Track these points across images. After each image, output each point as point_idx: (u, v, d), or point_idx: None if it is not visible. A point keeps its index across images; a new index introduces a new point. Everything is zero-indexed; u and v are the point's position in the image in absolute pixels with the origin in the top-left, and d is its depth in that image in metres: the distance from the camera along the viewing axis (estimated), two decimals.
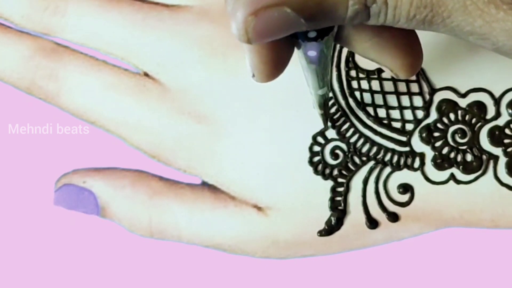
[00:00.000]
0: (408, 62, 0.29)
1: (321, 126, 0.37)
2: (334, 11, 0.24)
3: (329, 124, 0.37)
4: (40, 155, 0.39)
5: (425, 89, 0.37)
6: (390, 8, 0.23)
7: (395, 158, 0.36)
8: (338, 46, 0.37)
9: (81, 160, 0.39)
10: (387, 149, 0.37)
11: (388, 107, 0.37)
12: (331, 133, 0.37)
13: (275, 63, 0.27)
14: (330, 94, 0.37)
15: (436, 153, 0.36)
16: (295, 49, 0.28)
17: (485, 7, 0.23)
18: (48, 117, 0.39)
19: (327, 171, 0.37)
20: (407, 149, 0.36)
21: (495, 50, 0.25)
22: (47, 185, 0.39)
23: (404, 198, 0.36)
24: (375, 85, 0.37)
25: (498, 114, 0.36)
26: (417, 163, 0.36)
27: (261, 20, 0.23)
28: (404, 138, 0.36)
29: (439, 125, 0.36)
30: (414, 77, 0.37)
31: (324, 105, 0.34)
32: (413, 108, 0.36)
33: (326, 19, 0.24)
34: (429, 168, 0.36)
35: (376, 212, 0.37)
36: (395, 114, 0.37)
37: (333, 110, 0.37)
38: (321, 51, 0.27)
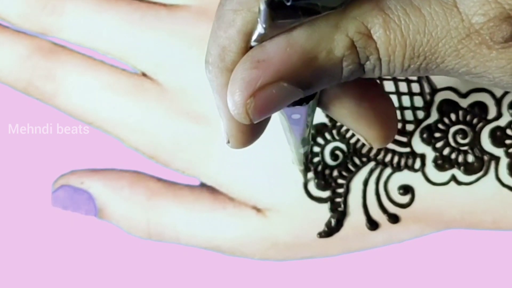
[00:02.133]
0: (383, 134, 0.29)
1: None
2: (330, 75, 0.23)
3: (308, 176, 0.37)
4: (40, 155, 0.39)
5: (426, 89, 0.36)
6: (384, 63, 0.23)
7: (396, 159, 0.36)
8: None
9: (79, 161, 0.39)
10: (387, 150, 0.36)
11: None
12: (331, 134, 0.37)
13: (252, 131, 0.27)
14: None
15: (437, 154, 0.36)
16: (277, 112, 0.27)
17: (477, 48, 0.23)
18: (48, 117, 0.39)
19: (327, 172, 0.37)
20: (407, 150, 0.36)
21: (493, 85, 0.25)
22: (45, 186, 0.38)
23: (405, 199, 0.36)
24: None
25: (499, 115, 0.36)
26: (417, 164, 0.36)
27: (260, 100, 0.23)
28: (404, 139, 0.36)
29: (440, 126, 0.36)
30: (415, 77, 0.36)
31: (306, 160, 0.34)
32: (414, 108, 0.36)
33: (323, 84, 0.24)
34: (430, 169, 0.36)
35: (376, 213, 0.36)
36: None
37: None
38: (306, 113, 0.27)
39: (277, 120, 0.37)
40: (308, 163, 0.35)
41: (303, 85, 0.23)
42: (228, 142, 0.28)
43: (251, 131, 0.27)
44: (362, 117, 0.28)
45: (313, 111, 0.28)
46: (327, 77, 0.24)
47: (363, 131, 0.29)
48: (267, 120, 0.28)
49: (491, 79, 0.24)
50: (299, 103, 0.26)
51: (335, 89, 0.27)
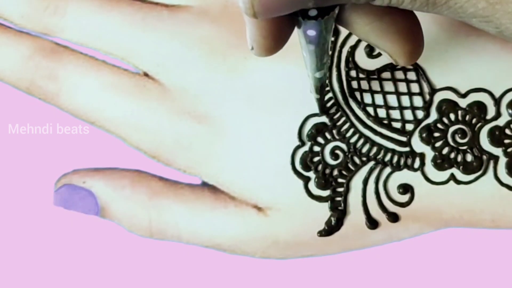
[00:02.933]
0: (408, 49, 0.29)
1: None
2: None
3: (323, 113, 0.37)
4: (40, 155, 0.39)
5: (425, 89, 0.36)
6: None
7: (395, 158, 0.36)
8: (337, 47, 0.37)
9: (81, 160, 0.39)
10: (387, 149, 0.36)
11: (388, 107, 0.37)
12: (331, 133, 0.37)
13: (274, 38, 0.27)
14: (328, 88, 0.37)
15: (436, 153, 0.36)
16: (296, 28, 0.28)
17: None
18: (48, 117, 0.39)
19: (327, 171, 0.37)
20: (407, 149, 0.36)
21: (498, 33, 0.25)
22: (47, 185, 0.39)
23: (404, 198, 0.36)
24: (375, 85, 0.37)
25: (498, 114, 0.36)
26: (417, 163, 0.36)
27: None
28: (404, 138, 0.36)
29: (439, 125, 0.36)
30: (414, 77, 0.37)
31: (320, 89, 0.34)
32: (413, 108, 0.36)
33: None
34: (429, 168, 0.36)
35: (376, 212, 0.37)
36: (395, 114, 0.37)
37: (333, 110, 0.37)
38: (321, 31, 0.27)
39: (279, 117, 0.37)
40: (323, 93, 0.34)
41: None
42: (252, 48, 0.28)
43: (273, 37, 0.27)
44: (386, 32, 0.28)
45: (329, 30, 0.27)
46: None
47: (388, 47, 0.29)
48: (289, 30, 0.28)
49: (498, 26, 0.24)
50: (315, 17, 0.26)
51: (355, 7, 0.27)
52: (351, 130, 0.37)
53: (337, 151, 0.37)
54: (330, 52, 0.32)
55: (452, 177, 0.36)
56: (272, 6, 0.24)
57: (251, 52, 0.28)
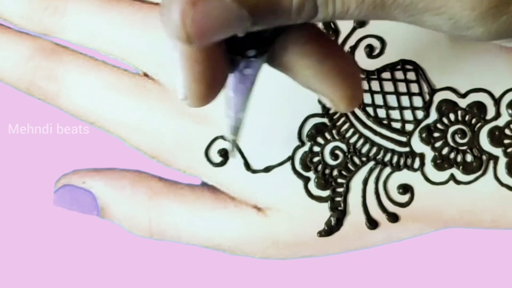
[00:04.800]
0: (349, 93, 0.29)
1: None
2: (279, 1, 0.23)
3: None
4: (40, 155, 0.39)
5: (425, 89, 0.36)
6: None
7: (395, 158, 0.36)
8: None
9: (81, 160, 0.39)
10: (387, 150, 0.36)
11: (388, 108, 0.37)
12: (331, 134, 0.37)
13: (209, 83, 0.26)
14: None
15: (436, 153, 0.36)
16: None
17: None
18: (48, 117, 0.39)
19: (327, 171, 0.37)
20: (407, 149, 0.36)
21: (452, 27, 0.24)
22: (47, 186, 0.39)
23: (404, 198, 0.36)
24: (375, 85, 0.37)
25: (498, 115, 0.36)
26: (417, 164, 0.36)
27: (200, 12, 0.22)
28: (404, 139, 0.36)
29: (439, 126, 0.36)
30: (414, 77, 0.37)
31: (238, 129, 0.32)
32: (413, 108, 0.36)
33: (271, 12, 0.23)
34: (429, 168, 0.36)
35: (376, 212, 0.37)
36: (395, 114, 0.37)
37: (332, 110, 0.37)
38: (258, 69, 0.27)
39: (278, 117, 0.37)
40: (239, 135, 0.32)
41: (249, 8, 0.22)
42: (185, 98, 0.27)
43: (208, 81, 0.26)
44: (327, 76, 0.28)
45: (260, 72, 0.27)
46: (275, 4, 0.23)
47: (328, 92, 0.28)
48: (223, 74, 0.26)
49: (451, 16, 0.23)
50: (254, 56, 0.25)
51: (296, 49, 0.27)
52: (351, 130, 0.37)
53: (337, 151, 0.37)
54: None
55: (452, 177, 0.36)
56: (207, 26, 0.23)
57: (183, 102, 0.27)
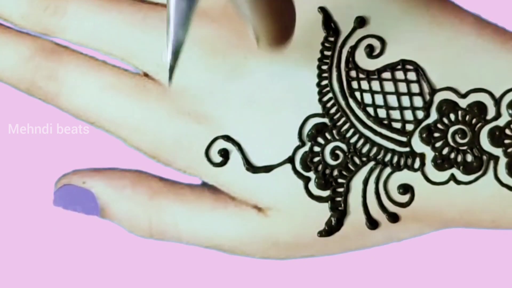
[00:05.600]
0: (274, 27, 0.29)
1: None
2: None
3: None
4: (40, 155, 0.39)
5: (425, 89, 0.36)
6: None
7: (395, 158, 0.36)
8: (337, 47, 0.37)
9: (81, 160, 0.39)
10: (387, 150, 0.36)
11: (388, 108, 0.36)
12: (331, 134, 0.37)
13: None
14: (328, 89, 0.37)
15: (436, 153, 0.36)
16: None
17: None
18: (48, 117, 0.39)
19: (327, 171, 0.37)
20: (407, 149, 0.36)
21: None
22: (46, 186, 0.39)
23: (404, 198, 0.36)
24: (375, 85, 0.37)
25: (498, 115, 0.36)
26: (417, 164, 0.36)
27: None
28: (404, 139, 0.36)
29: (439, 126, 0.36)
30: (414, 77, 0.37)
31: (177, 54, 0.29)
32: (413, 108, 0.36)
33: None
34: (429, 168, 0.36)
35: (376, 212, 0.37)
36: (395, 114, 0.36)
37: (333, 110, 0.37)
38: None
39: (279, 117, 0.37)
40: (177, 59, 0.30)
41: None
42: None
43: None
44: (260, 4, 0.28)
45: None
46: None
47: (257, 21, 0.29)
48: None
49: None
50: None
51: None
52: (351, 131, 0.37)
53: (337, 151, 0.37)
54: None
55: (452, 177, 0.36)
56: None
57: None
